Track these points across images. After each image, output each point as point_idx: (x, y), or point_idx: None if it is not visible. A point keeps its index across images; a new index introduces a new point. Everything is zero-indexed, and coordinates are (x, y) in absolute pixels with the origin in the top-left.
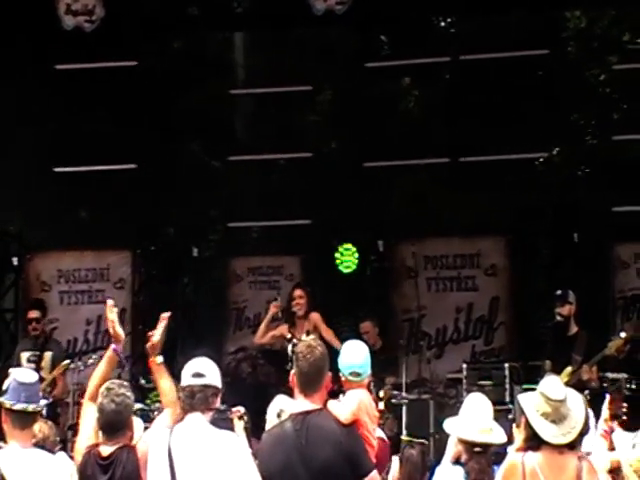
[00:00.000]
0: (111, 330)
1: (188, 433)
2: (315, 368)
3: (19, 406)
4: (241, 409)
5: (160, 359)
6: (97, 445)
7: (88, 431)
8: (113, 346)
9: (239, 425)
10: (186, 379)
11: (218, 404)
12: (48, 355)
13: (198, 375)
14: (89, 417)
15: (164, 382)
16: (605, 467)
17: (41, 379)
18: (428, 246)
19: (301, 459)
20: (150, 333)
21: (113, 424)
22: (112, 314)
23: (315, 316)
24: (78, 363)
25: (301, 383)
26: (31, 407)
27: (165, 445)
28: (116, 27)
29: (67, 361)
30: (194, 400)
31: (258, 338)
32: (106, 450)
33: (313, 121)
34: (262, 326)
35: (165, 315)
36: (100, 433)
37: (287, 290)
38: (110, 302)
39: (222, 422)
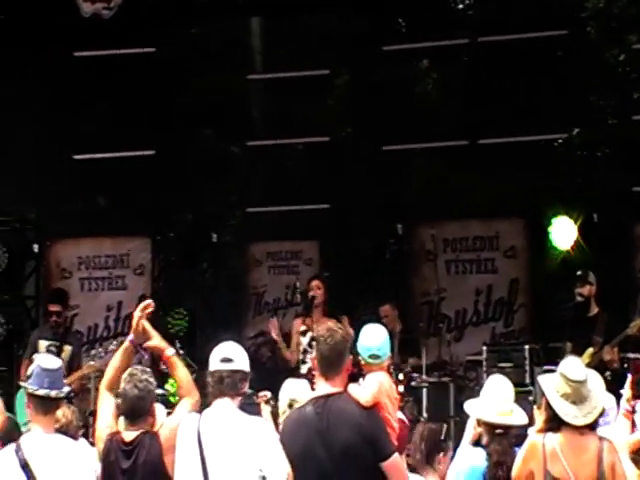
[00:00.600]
0: (134, 324)
1: (217, 419)
2: (336, 352)
3: (42, 392)
4: (268, 394)
5: (170, 351)
6: (119, 432)
7: (107, 418)
8: (130, 337)
9: (266, 409)
10: (214, 364)
11: (246, 388)
12: (68, 349)
13: (226, 360)
14: (107, 405)
15: (179, 373)
16: (627, 447)
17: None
18: (447, 229)
19: (322, 442)
20: (133, 330)
21: (136, 410)
22: (139, 312)
23: (345, 320)
24: (99, 349)
25: (322, 366)
26: (54, 393)
27: (194, 430)
28: (134, 14)
29: (96, 362)
30: (222, 385)
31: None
32: (129, 436)
33: (330, 105)
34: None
35: (146, 302)
36: (122, 419)
37: (306, 275)
38: (148, 302)
39: (249, 407)
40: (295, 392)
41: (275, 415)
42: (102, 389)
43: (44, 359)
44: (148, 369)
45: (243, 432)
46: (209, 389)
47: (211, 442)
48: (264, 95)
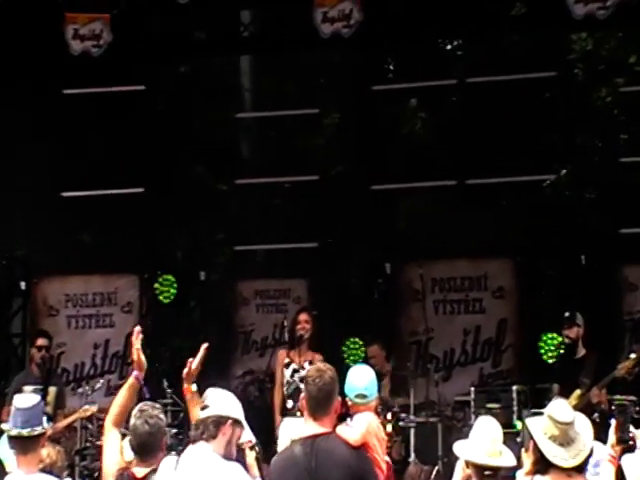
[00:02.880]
0: (135, 357)
1: (193, 460)
2: (324, 392)
3: (15, 431)
4: (253, 439)
5: (195, 387)
6: (128, 468)
7: (115, 455)
8: (135, 373)
9: (250, 455)
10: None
11: (227, 432)
12: (53, 390)
13: (204, 407)
14: (113, 442)
15: (197, 411)
16: None
17: (50, 417)
18: (435, 268)
19: None
20: (190, 360)
21: (146, 445)
22: (138, 342)
23: (318, 358)
24: (86, 387)
25: (310, 407)
26: (26, 431)
27: (171, 471)
28: (123, 52)
29: (94, 407)
30: (197, 432)
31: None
32: (140, 472)
33: (319, 144)
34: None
35: (205, 345)
36: (132, 455)
37: (294, 313)
38: (138, 328)
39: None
40: (295, 431)
41: (259, 460)
42: (108, 426)
43: (19, 398)
44: (158, 405)
45: (217, 476)
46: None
47: None
48: (253, 133)
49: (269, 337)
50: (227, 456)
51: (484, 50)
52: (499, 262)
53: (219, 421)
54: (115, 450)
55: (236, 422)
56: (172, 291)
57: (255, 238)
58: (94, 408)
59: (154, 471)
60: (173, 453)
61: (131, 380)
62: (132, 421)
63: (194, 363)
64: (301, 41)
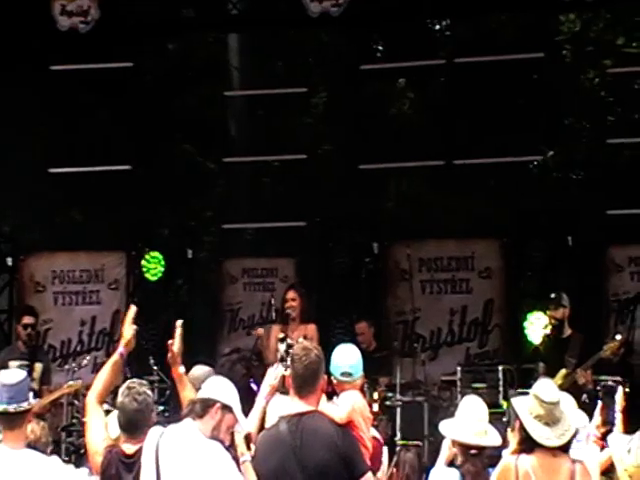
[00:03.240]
0: (127, 335)
1: (177, 434)
2: (310, 371)
3: (1, 407)
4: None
5: (182, 369)
6: (117, 445)
7: (101, 432)
8: (121, 350)
9: (239, 436)
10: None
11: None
12: (39, 366)
13: (198, 389)
14: (97, 418)
15: (187, 392)
16: (598, 471)
17: (37, 393)
18: (422, 248)
19: (296, 461)
20: (170, 342)
21: (135, 423)
22: (132, 318)
23: (311, 328)
24: (72, 364)
25: (296, 385)
26: (12, 407)
27: (155, 442)
28: (111, 28)
29: (78, 382)
30: (186, 411)
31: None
32: (130, 449)
33: (307, 123)
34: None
35: (179, 323)
36: (118, 431)
37: (281, 292)
38: (134, 308)
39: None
40: (284, 409)
41: (248, 439)
42: (91, 402)
43: (5, 374)
44: (145, 382)
45: (199, 452)
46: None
47: (167, 457)
48: (241, 112)
49: (256, 315)
50: (212, 439)
51: (472, 30)
52: (486, 242)
53: (207, 403)
54: (100, 427)
55: (225, 407)
56: (159, 268)
57: (243, 216)
58: (78, 384)
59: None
60: None
61: (116, 357)
62: (120, 399)
63: (175, 345)
64: (290, 19)
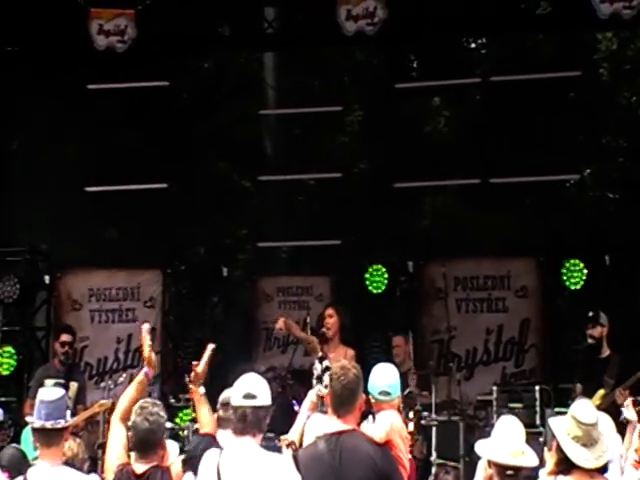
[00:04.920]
0: (146, 354)
1: (238, 456)
2: (348, 390)
3: (38, 423)
4: (289, 437)
5: (202, 390)
6: (129, 463)
7: (118, 450)
8: (145, 369)
9: (287, 453)
10: (237, 399)
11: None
12: (74, 385)
13: (250, 396)
14: (118, 436)
15: (204, 413)
16: None
17: (73, 413)
18: (458, 267)
19: (335, 479)
20: (195, 363)
21: (146, 442)
22: (148, 339)
23: (350, 354)
24: (108, 382)
25: (334, 404)
26: (49, 424)
27: (214, 467)
28: (148, 47)
29: (108, 401)
30: (245, 423)
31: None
32: (140, 468)
33: (343, 141)
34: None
35: (211, 346)
36: (133, 451)
37: (316, 310)
38: (146, 326)
39: (270, 450)
40: (321, 429)
41: (296, 458)
42: (114, 420)
43: (44, 392)
44: (159, 402)
45: (264, 470)
46: (231, 425)
47: (230, 478)
48: (277, 130)
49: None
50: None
51: (508, 49)
52: (522, 261)
53: (267, 414)
54: (119, 445)
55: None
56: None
57: (278, 235)
58: (109, 403)
59: (154, 467)
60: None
61: (140, 376)
62: (132, 417)
63: (200, 366)
64: (325, 38)
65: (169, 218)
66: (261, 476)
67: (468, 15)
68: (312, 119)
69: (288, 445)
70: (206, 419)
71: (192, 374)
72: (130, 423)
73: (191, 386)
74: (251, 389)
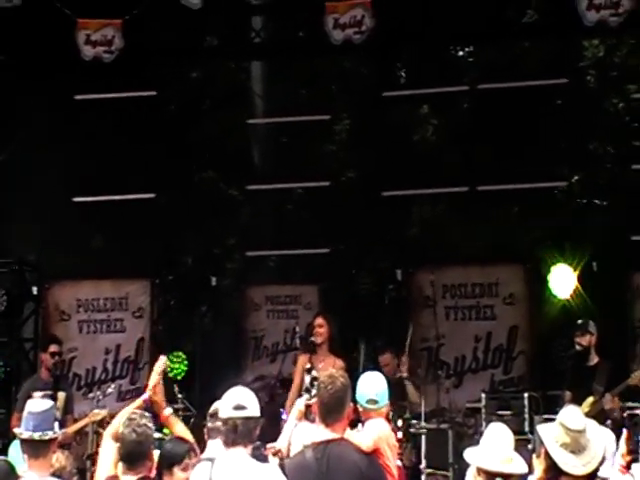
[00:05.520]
0: (152, 382)
1: (230, 466)
2: (336, 399)
3: (26, 435)
4: (276, 445)
5: (168, 411)
6: (116, 476)
7: (108, 464)
8: (145, 397)
9: (274, 462)
10: (226, 411)
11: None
12: (62, 395)
13: (240, 407)
14: (108, 453)
15: (178, 429)
16: None
17: (62, 424)
18: (446, 275)
19: None
20: (149, 389)
21: (134, 454)
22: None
23: (339, 364)
24: (97, 392)
25: (322, 413)
26: (37, 435)
27: (207, 477)
28: (135, 57)
29: (104, 412)
30: (236, 434)
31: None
32: None
33: (331, 150)
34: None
35: (162, 357)
36: (120, 463)
37: (305, 319)
38: (164, 358)
39: (257, 458)
40: (309, 438)
41: (283, 467)
42: (106, 436)
43: (32, 403)
44: (147, 414)
45: None
46: (221, 436)
47: None
48: (264, 139)
49: (280, 343)
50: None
51: (496, 57)
52: (510, 268)
53: (257, 424)
54: (108, 461)
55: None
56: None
57: (266, 244)
58: (104, 412)
59: (142, 479)
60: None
61: (139, 402)
62: (120, 429)
63: (154, 394)
64: (312, 47)
65: (157, 228)
66: None
67: (455, 23)
68: (300, 128)
69: (275, 454)
70: (184, 434)
71: (152, 401)
72: (118, 434)
73: (160, 413)
74: (241, 401)
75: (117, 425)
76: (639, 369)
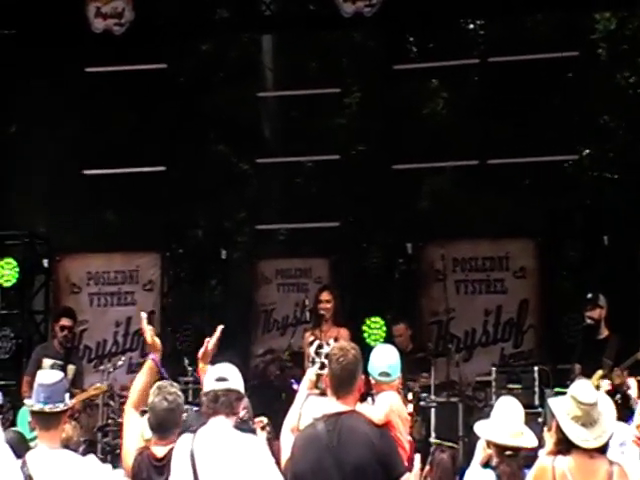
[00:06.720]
0: (150, 340)
1: (211, 437)
2: (347, 371)
3: (37, 407)
4: (264, 419)
5: (209, 368)
6: (148, 447)
7: (135, 435)
8: (152, 356)
9: (262, 435)
10: (209, 384)
11: (242, 411)
12: (72, 368)
13: (221, 379)
14: (133, 423)
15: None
16: (638, 473)
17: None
18: (457, 248)
19: (333, 460)
20: (207, 340)
21: (165, 423)
22: (146, 323)
23: (344, 332)
24: (107, 365)
25: (333, 385)
26: (48, 407)
27: (188, 449)
28: (145, 30)
29: (104, 384)
30: (217, 404)
31: None
32: (160, 451)
33: (341, 123)
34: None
35: (221, 327)
36: (151, 433)
37: (315, 293)
38: (144, 314)
39: (245, 432)
40: (319, 410)
41: (271, 441)
42: (128, 408)
43: (43, 374)
44: (175, 383)
45: (237, 450)
46: (203, 409)
47: (204, 461)
48: (275, 112)
49: (290, 316)
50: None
51: (506, 29)
52: (521, 242)
53: (239, 398)
54: (135, 431)
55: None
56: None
57: (276, 217)
58: (105, 386)
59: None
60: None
61: (149, 363)
62: (150, 399)
63: (210, 343)
64: (323, 20)
65: (167, 201)
66: (234, 456)
67: None
68: (310, 101)
69: (262, 427)
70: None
71: (202, 350)
72: (148, 404)
73: (200, 362)
74: (223, 374)
75: (135, 396)
76: None
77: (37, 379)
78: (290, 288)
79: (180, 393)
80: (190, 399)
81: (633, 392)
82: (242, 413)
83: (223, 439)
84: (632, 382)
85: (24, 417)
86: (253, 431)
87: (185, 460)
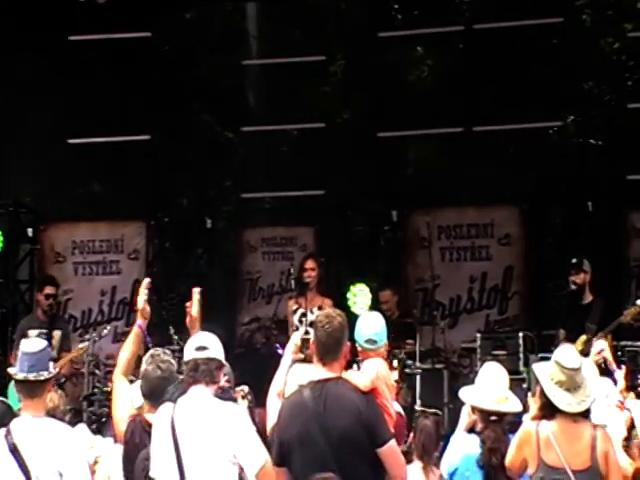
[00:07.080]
0: (141, 306)
1: (191, 405)
2: (333, 338)
3: (21, 375)
4: (245, 388)
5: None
6: (140, 414)
7: (126, 402)
8: (139, 322)
9: (242, 404)
10: (189, 353)
11: (222, 380)
12: (57, 334)
13: (202, 348)
14: (123, 390)
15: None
16: (621, 437)
17: (55, 359)
18: (442, 216)
19: (319, 427)
20: (187, 304)
21: (158, 390)
22: (145, 292)
23: (327, 302)
24: (93, 334)
25: (319, 352)
26: (32, 375)
27: (168, 418)
28: None
29: (85, 344)
30: (197, 372)
31: None
32: (153, 418)
33: (326, 91)
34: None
35: (196, 289)
36: (141, 401)
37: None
38: (148, 280)
39: (226, 401)
40: (304, 378)
41: (252, 410)
42: (116, 376)
43: (26, 343)
44: (168, 351)
45: (217, 418)
46: (184, 377)
47: (184, 429)
48: (259, 81)
49: (275, 284)
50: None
51: None
52: (505, 209)
53: (220, 366)
54: (125, 397)
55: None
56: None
57: (261, 186)
58: (85, 345)
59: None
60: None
61: (135, 329)
62: (143, 366)
63: (193, 310)
64: None
65: (152, 170)
66: (215, 425)
67: None
68: (295, 69)
69: (243, 397)
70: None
71: (187, 317)
72: (141, 372)
73: (191, 331)
74: (203, 342)
75: (123, 363)
76: (631, 307)
77: (21, 347)
78: (275, 256)
79: (173, 361)
80: (175, 367)
81: (607, 354)
82: (222, 382)
83: (203, 408)
84: (602, 344)
85: (13, 389)
86: (234, 400)
87: (166, 429)
